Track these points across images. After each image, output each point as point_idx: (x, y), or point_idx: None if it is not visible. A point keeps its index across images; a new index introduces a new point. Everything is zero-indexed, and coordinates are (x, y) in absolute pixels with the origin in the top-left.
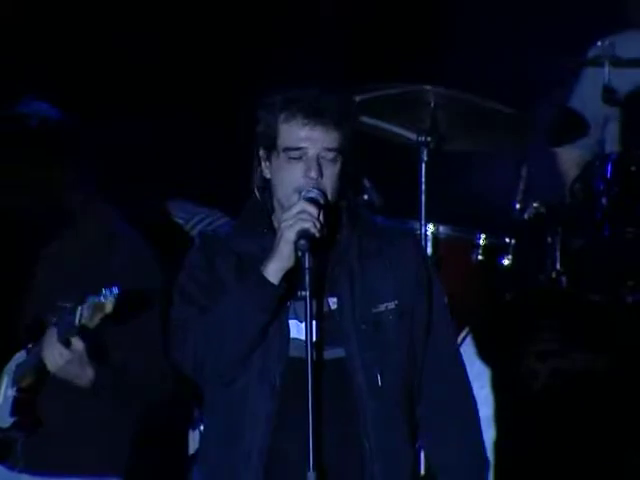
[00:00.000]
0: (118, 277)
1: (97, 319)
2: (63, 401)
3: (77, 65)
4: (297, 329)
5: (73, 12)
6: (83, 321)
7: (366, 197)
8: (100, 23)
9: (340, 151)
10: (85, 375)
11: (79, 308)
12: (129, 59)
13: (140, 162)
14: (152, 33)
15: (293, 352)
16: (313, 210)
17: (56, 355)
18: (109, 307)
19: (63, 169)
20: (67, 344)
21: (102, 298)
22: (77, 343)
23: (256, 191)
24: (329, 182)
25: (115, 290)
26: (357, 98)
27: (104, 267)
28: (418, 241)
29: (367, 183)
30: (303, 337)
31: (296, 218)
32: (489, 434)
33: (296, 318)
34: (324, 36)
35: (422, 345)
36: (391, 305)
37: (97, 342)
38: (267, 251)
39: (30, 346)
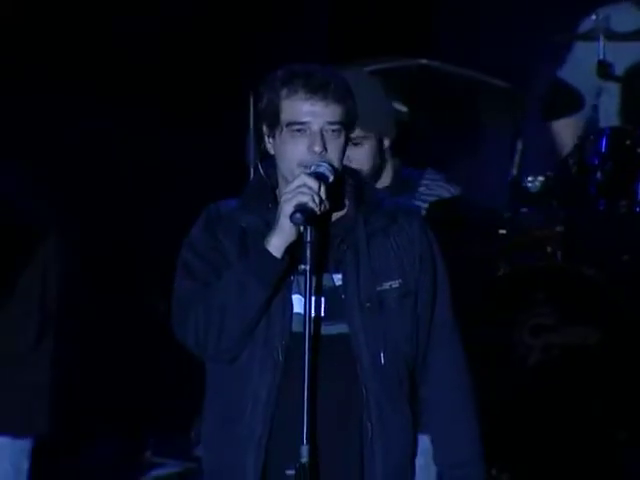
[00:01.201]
0: None
1: None
2: None
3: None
4: (301, 304)
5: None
6: None
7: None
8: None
9: (343, 125)
10: None
11: None
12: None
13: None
14: (149, 31)
15: (296, 327)
16: (313, 184)
17: None
18: None
19: None
20: None
21: None
22: None
23: (260, 167)
24: (333, 156)
25: None
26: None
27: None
28: (423, 220)
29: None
30: (298, 310)
31: (295, 192)
32: None
33: (300, 293)
34: (310, 13)
35: (426, 324)
36: (395, 284)
37: None
38: (268, 224)
39: None
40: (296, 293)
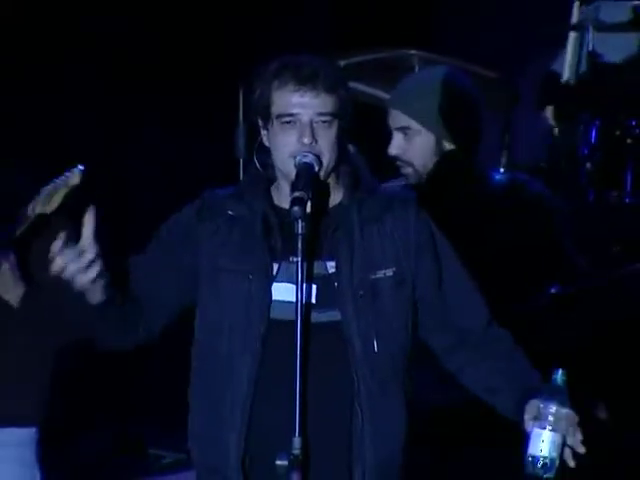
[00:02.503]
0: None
1: (59, 197)
2: None
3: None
4: (288, 292)
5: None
6: (39, 209)
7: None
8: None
9: (334, 115)
10: (16, 289)
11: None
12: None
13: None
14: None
15: (276, 314)
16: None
17: None
18: (76, 179)
19: None
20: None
21: (65, 177)
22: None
23: (255, 159)
24: (324, 147)
25: (80, 167)
26: (342, 63)
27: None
28: (418, 207)
29: (351, 148)
30: (292, 299)
31: None
32: None
33: (289, 281)
34: (308, 2)
35: (433, 307)
36: (389, 272)
37: (26, 257)
38: (256, 213)
39: None
40: (283, 281)
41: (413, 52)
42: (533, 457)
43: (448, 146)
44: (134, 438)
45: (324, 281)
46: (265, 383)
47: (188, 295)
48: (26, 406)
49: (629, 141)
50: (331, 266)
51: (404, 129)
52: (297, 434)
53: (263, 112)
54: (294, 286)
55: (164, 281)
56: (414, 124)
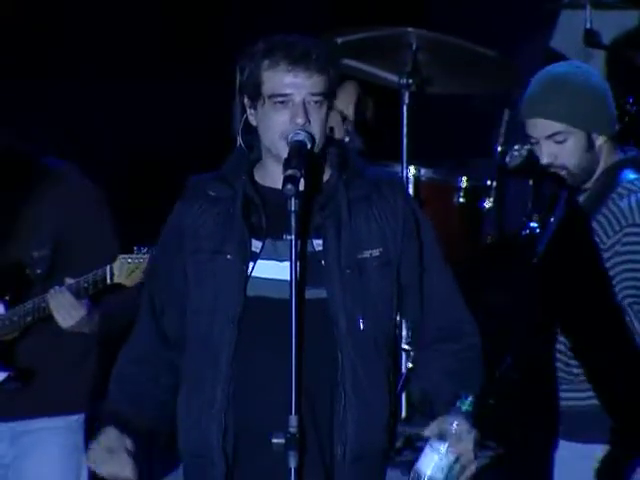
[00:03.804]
0: (71, 214)
1: (135, 277)
2: (46, 342)
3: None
4: (274, 269)
5: None
6: (116, 279)
7: (347, 140)
8: None
9: (326, 95)
10: (93, 323)
11: (108, 267)
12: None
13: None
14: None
15: (261, 292)
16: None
17: (73, 314)
18: (145, 264)
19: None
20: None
21: (138, 259)
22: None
23: (240, 139)
24: (316, 126)
25: (146, 248)
26: (339, 40)
27: (56, 211)
28: (405, 188)
29: (348, 126)
30: (278, 276)
31: None
32: None
33: (274, 258)
34: None
35: (415, 291)
36: (375, 252)
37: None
38: (237, 193)
39: (7, 298)
40: (269, 259)
41: (410, 30)
42: (418, 474)
43: (598, 139)
44: None
45: (311, 258)
46: (246, 362)
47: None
48: (74, 393)
49: (626, 119)
50: (318, 244)
51: (554, 135)
52: (293, 412)
53: (253, 91)
54: (280, 263)
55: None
56: (564, 127)
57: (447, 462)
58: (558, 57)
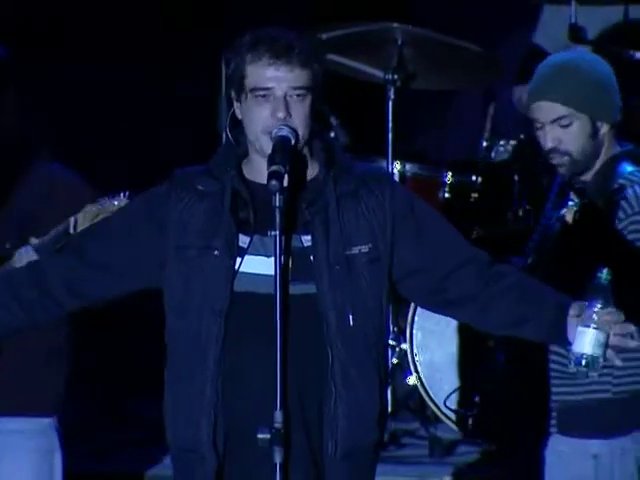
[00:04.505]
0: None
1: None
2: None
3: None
4: (262, 264)
5: None
6: (80, 227)
7: (333, 135)
8: None
9: (308, 89)
10: None
11: (72, 219)
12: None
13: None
14: None
15: (249, 287)
16: None
17: None
18: (122, 204)
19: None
20: None
21: (103, 204)
22: None
23: (228, 132)
24: (298, 121)
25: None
26: (324, 36)
27: (47, 212)
28: (392, 182)
29: (334, 121)
30: (265, 272)
31: None
32: None
33: (261, 254)
34: None
35: (432, 267)
36: (364, 249)
37: None
38: (225, 188)
39: None
40: (257, 254)
41: (395, 25)
42: (577, 355)
43: (602, 126)
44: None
45: (299, 254)
46: (234, 358)
47: (137, 279)
48: (44, 396)
49: None
50: (306, 240)
51: (559, 119)
52: (278, 407)
53: (237, 85)
54: (267, 259)
55: (117, 257)
56: (570, 111)
57: (603, 336)
58: (543, 52)
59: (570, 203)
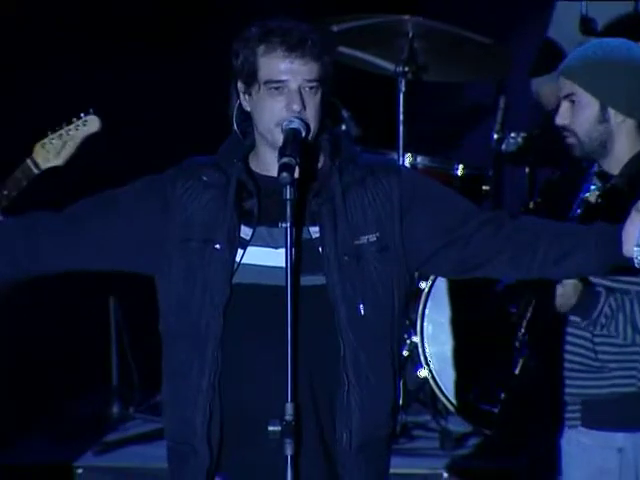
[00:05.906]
0: None
1: (66, 152)
2: None
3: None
4: (266, 255)
5: None
6: (46, 165)
7: (344, 127)
8: None
9: (320, 82)
10: None
11: (27, 160)
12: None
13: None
14: None
15: (252, 279)
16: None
17: None
18: (94, 126)
19: None
20: None
21: (61, 133)
22: None
23: (235, 124)
24: (311, 113)
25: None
26: (335, 28)
27: None
28: (400, 170)
29: (345, 114)
30: (269, 263)
31: None
32: None
33: (267, 245)
34: None
35: (459, 240)
36: (372, 238)
37: None
38: (230, 180)
39: None
40: (260, 245)
41: (407, 18)
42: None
43: (615, 115)
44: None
45: (308, 246)
46: (235, 350)
47: (114, 260)
48: None
49: None
50: (314, 231)
51: (569, 96)
52: (290, 400)
53: (248, 77)
54: (275, 250)
55: (115, 233)
56: (579, 90)
57: None
58: (555, 46)
59: (592, 187)
